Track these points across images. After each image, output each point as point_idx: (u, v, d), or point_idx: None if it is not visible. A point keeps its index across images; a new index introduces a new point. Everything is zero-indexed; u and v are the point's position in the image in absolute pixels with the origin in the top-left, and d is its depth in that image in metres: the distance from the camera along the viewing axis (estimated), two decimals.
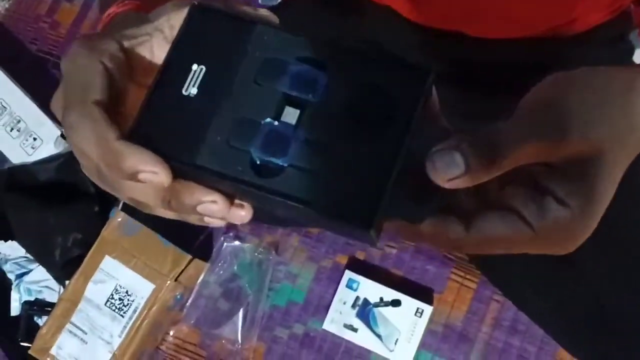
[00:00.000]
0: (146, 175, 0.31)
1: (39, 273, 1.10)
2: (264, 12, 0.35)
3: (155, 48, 0.35)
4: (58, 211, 1.06)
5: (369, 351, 1.01)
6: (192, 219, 0.34)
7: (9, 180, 1.10)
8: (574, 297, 0.69)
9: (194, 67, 0.32)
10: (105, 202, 1.08)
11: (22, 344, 1.06)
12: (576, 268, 0.66)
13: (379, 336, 1.00)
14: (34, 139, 1.12)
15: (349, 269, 1.04)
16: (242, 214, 0.34)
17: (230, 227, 1.09)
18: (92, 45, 0.34)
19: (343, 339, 1.02)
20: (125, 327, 0.99)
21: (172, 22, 0.35)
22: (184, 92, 0.32)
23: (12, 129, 1.14)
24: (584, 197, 0.31)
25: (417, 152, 0.30)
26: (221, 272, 1.08)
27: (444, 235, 0.32)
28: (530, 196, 0.32)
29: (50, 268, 1.08)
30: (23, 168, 1.11)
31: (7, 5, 1.36)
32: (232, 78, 0.32)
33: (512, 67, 0.65)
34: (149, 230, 1.02)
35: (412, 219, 0.31)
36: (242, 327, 1.05)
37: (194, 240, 1.06)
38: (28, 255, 1.11)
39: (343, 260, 1.07)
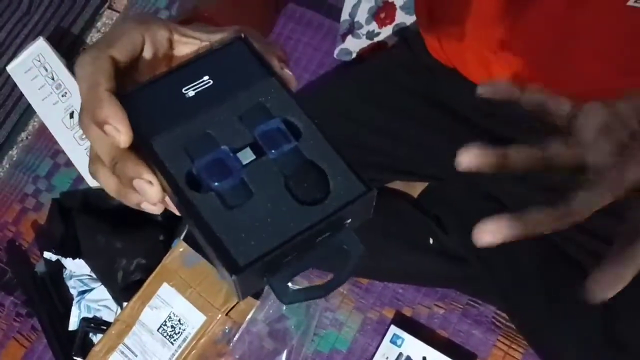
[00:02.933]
0: (109, 128, 0.33)
1: (100, 292, 1.16)
2: (288, 74, 0.38)
3: (196, 53, 0.39)
4: (125, 236, 1.11)
5: None
6: (128, 197, 0.35)
7: (83, 202, 1.17)
8: None
9: (205, 77, 0.36)
10: (170, 232, 1.14)
11: (75, 358, 1.11)
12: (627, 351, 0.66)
13: None
14: None
15: (395, 324, 1.05)
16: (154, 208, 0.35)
17: None
18: (146, 20, 0.37)
19: None
20: (173, 354, 1.03)
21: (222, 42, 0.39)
22: (183, 90, 0.36)
23: None
24: None
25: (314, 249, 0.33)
26: (270, 311, 1.11)
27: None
28: None
29: (111, 289, 1.13)
30: (97, 191, 1.18)
31: (100, 37, 1.47)
32: (225, 102, 0.36)
33: None
34: (207, 263, 1.06)
35: (277, 293, 0.33)
36: None
37: None
38: (92, 274, 1.16)
39: (390, 314, 1.08)
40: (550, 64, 0.60)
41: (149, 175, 0.34)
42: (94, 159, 0.37)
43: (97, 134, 0.35)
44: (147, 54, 0.38)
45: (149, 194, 0.34)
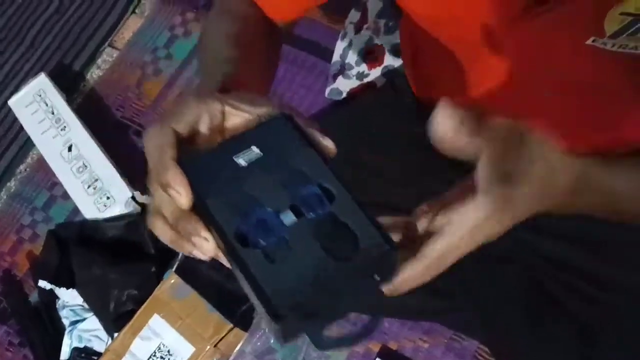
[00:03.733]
0: (173, 192, 0.39)
1: (92, 322, 1.18)
2: (329, 143, 0.43)
3: (247, 126, 0.44)
4: (119, 267, 1.14)
5: None
6: (184, 247, 0.41)
7: (79, 233, 1.20)
8: None
9: (254, 148, 0.42)
10: (162, 264, 1.16)
11: None
12: None
13: None
14: (107, 197, 1.23)
15: (380, 357, 1.07)
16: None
17: None
18: (203, 96, 0.44)
19: None
20: None
21: (269, 115, 0.44)
22: (234, 158, 0.41)
23: (89, 187, 1.25)
24: None
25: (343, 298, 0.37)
26: (258, 343, 1.13)
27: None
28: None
29: (103, 319, 1.15)
30: (93, 223, 1.21)
31: (101, 73, 1.51)
32: (271, 170, 0.41)
33: None
34: (198, 296, 1.09)
35: (315, 341, 0.37)
36: None
37: (237, 309, 1.12)
38: (84, 304, 1.19)
39: (376, 347, 1.10)
40: (517, 99, 0.64)
41: (205, 233, 0.39)
42: (154, 213, 0.42)
43: (162, 195, 0.40)
44: (204, 125, 0.43)
45: (205, 249, 0.40)
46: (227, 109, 0.44)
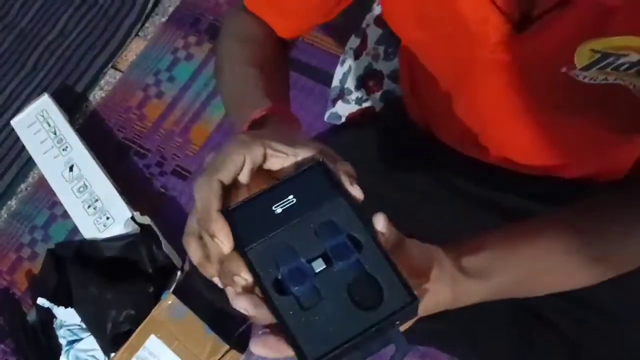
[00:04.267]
0: (217, 241, 0.44)
1: (89, 342, 1.18)
2: (356, 192, 0.46)
3: (284, 164, 0.47)
4: (116, 287, 1.15)
5: None
6: (228, 288, 0.44)
7: (78, 253, 1.21)
8: None
9: (290, 197, 0.45)
10: (160, 285, 1.17)
11: None
12: None
13: None
14: (107, 217, 1.24)
15: None
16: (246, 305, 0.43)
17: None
18: (246, 141, 0.47)
19: None
20: None
21: (304, 158, 0.48)
22: (273, 207, 0.45)
23: (89, 206, 1.26)
24: None
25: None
26: None
27: None
28: None
29: (100, 339, 1.16)
30: (92, 243, 1.21)
31: (103, 95, 1.53)
32: (304, 219, 0.44)
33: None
34: (195, 316, 1.09)
35: None
36: None
37: (234, 331, 1.12)
38: (82, 324, 1.19)
39: None
40: (505, 122, 0.66)
41: (246, 275, 0.43)
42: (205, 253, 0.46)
43: (208, 238, 0.45)
44: (246, 169, 0.47)
45: (244, 286, 0.43)
46: (269, 151, 0.47)
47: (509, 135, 0.68)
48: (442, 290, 0.48)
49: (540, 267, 0.56)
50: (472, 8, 0.55)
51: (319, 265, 0.42)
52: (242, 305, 0.42)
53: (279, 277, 0.42)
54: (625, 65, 0.52)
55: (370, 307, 0.40)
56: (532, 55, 0.56)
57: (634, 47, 0.50)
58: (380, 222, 0.43)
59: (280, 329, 0.40)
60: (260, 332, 0.42)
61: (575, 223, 0.58)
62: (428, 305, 0.46)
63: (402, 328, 0.42)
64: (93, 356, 1.17)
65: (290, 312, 0.41)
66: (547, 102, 0.60)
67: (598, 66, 0.53)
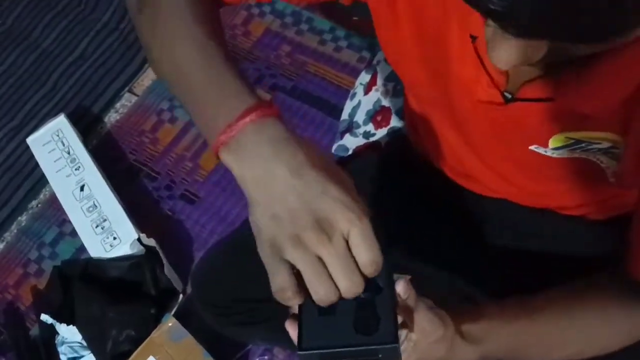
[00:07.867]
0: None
1: None
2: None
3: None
4: (119, 307, 1.16)
5: None
6: None
7: (83, 271, 1.22)
8: None
9: None
10: (162, 307, 1.18)
11: None
12: None
13: None
14: (114, 238, 1.26)
15: None
16: None
17: (266, 350, 1.15)
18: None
19: None
20: None
21: None
22: None
23: (97, 226, 1.29)
24: None
25: None
26: None
27: None
28: None
29: (99, 357, 1.16)
30: (98, 262, 1.23)
31: (118, 117, 1.56)
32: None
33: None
34: (194, 340, 1.10)
35: None
36: None
37: (232, 356, 1.13)
38: (83, 341, 1.20)
39: None
40: (495, 164, 0.69)
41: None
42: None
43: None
44: None
45: None
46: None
47: (498, 174, 0.71)
48: (441, 348, 0.55)
49: (532, 342, 0.62)
50: (464, 69, 0.58)
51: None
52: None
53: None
54: (595, 150, 0.56)
55: (364, 333, 0.49)
56: (511, 125, 0.59)
57: (609, 140, 0.55)
58: (399, 287, 0.51)
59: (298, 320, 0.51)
60: (291, 313, 0.51)
61: (575, 314, 0.62)
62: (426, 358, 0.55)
63: None
64: None
65: (309, 313, 0.50)
66: (522, 160, 0.64)
67: (569, 148, 0.57)
